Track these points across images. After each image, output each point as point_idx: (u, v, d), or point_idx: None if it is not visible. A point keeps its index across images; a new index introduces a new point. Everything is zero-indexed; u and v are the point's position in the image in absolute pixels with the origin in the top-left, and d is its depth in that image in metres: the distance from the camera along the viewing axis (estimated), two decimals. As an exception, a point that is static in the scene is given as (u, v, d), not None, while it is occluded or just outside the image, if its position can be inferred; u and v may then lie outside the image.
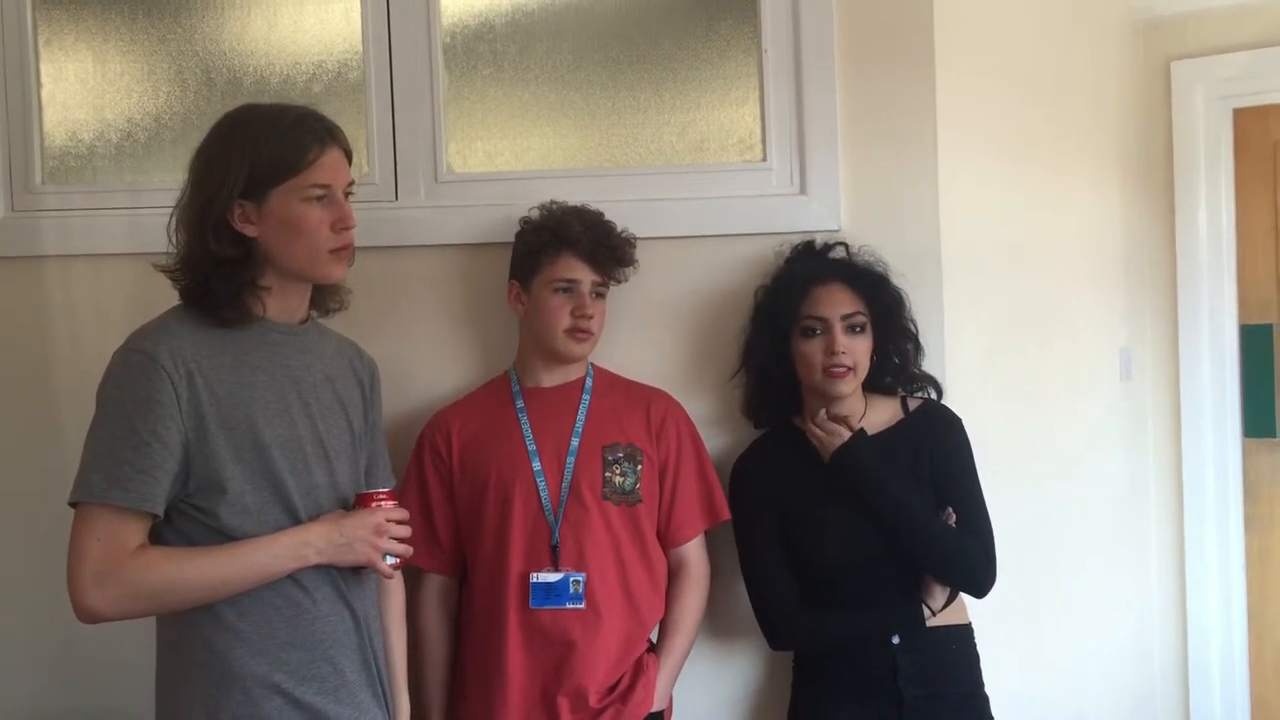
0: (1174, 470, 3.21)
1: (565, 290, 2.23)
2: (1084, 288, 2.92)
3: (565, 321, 2.23)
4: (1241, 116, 3.20)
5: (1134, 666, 3.04)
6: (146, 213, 2.34)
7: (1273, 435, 3.19)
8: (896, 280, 2.32)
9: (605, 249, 2.25)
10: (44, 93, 2.49)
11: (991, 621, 2.31)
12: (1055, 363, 2.80)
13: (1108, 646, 2.93)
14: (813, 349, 2.22)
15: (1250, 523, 3.19)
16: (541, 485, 2.22)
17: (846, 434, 2.21)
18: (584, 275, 2.24)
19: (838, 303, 2.23)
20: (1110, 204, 3.03)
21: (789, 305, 2.24)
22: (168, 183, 2.35)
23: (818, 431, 2.23)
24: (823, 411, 2.24)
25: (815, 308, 2.23)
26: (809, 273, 2.28)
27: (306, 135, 1.81)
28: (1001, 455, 2.44)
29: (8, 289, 2.46)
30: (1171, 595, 3.19)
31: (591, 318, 2.24)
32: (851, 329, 2.22)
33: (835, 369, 2.20)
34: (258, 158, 1.78)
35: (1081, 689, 2.80)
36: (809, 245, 2.37)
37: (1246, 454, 3.20)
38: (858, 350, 2.22)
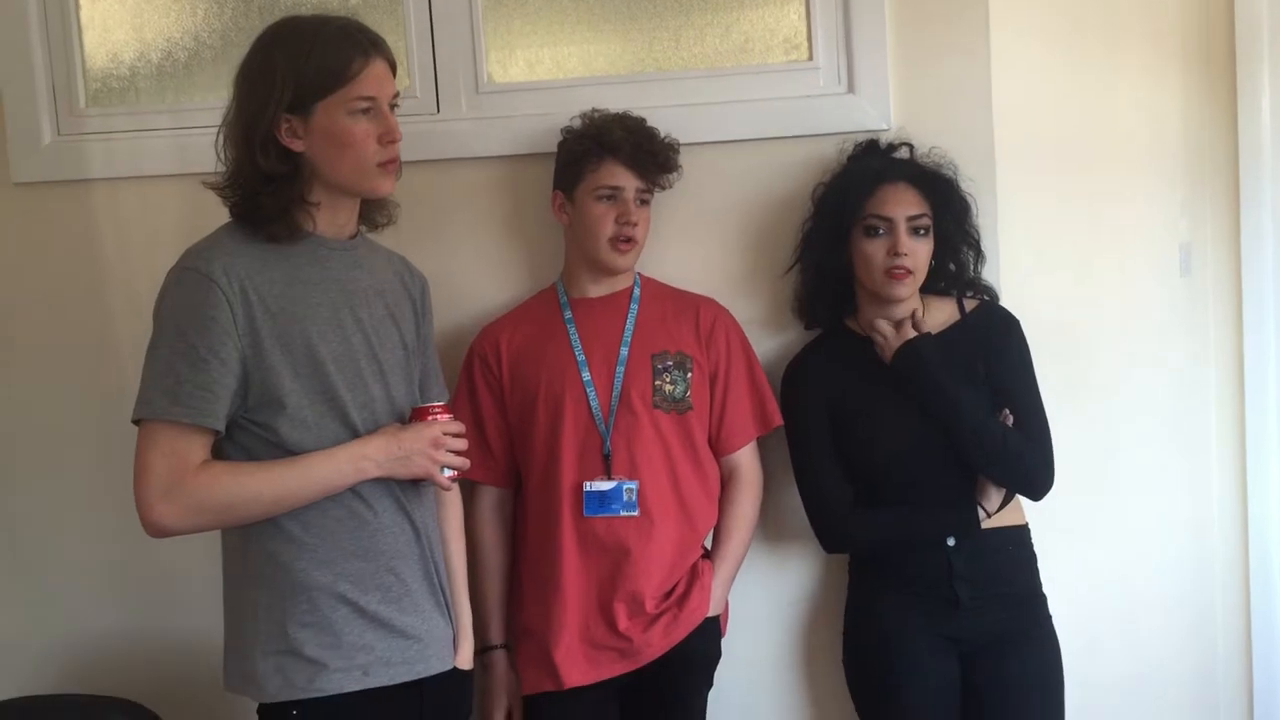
0: (1235, 367, 3.12)
1: (609, 198, 2.22)
2: (1142, 180, 2.83)
3: (609, 229, 2.21)
4: (1308, -2, 3.07)
5: (1192, 570, 3.00)
6: (190, 133, 2.37)
7: (1336, 328, 3.11)
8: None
9: (648, 154, 2.22)
10: (83, 15, 2.47)
11: (1045, 523, 2.30)
12: (1112, 259, 2.73)
13: (1166, 547, 2.89)
14: (875, 249, 2.19)
15: (1315, 418, 3.13)
16: (592, 395, 2.22)
17: (912, 332, 2.18)
18: (627, 182, 2.21)
19: (904, 203, 2.19)
20: (1169, 93, 2.92)
21: (853, 202, 2.20)
22: (209, 102, 2.39)
23: (884, 328, 2.20)
24: (879, 320, 2.21)
25: (881, 207, 2.19)
26: (876, 170, 2.23)
27: (350, 46, 1.80)
28: (1056, 355, 2.40)
29: (58, 212, 2.48)
30: (1232, 497, 3.12)
31: (636, 225, 2.22)
32: (915, 231, 2.18)
33: (896, 270, 2.17)
34: (302, 71, 1.77)
35: (1139, 590, 2.78)
36: (873, 143, 2.32)
37: (1312, 350, 3.12)
38: (920, 253, 2.19)
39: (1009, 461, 2.17)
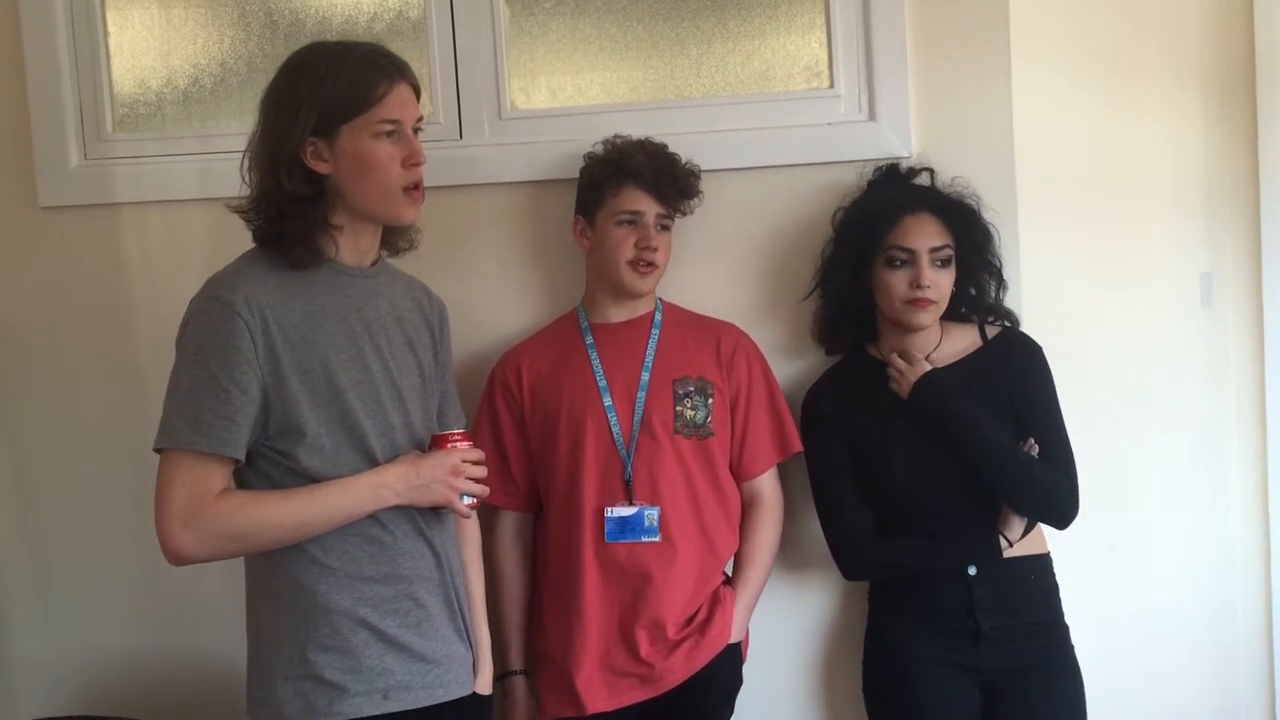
0: (1257, 398, 3.10)
1: (629, 223, 2.23)
2: (1163, 210, 2.83)
3: (629, 253, 2.22)
4: (1329, 30, 3.07)
5: (1215, 596, 2.98)
6: (216, 158, 2.39)
7: (1358, 358, 3.09)
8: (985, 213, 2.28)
9: (668, 179, 2.23)
10: (111, 41, 2.51)
11: (1067, 552, 2.28)
12: (1132, 289, 2.72)
13: (1187, 576, 2.87)
14: (897, 280, 2.19)
15: (1337, 449, 3.10)
16: (613, 420, 2.22)
17: (926, 366, 2.17)
18: (648, 207, 2.22)
19: (927, 234, 2.19)
20: (1190, 124, 2.92)
21: (876, 232, 2.20)
22: (235, 128, 2.41)
23: (898, 363, 2.20)
24: (894, 355, 2.21)
25: (904, 238, 2.19)
26: (898, 200, 2.24)
27: (375, 71, 1.81)
28: (1077, 383, 2.39)
29: (84, 236, 2.50)
30: (1255, 528, 3.10)
31: (656, 250, 2.23)
32: (938, 262, 2.18)
33: (919, 301, 2.17)
34: (327, 94, 1.79)
35: (1162, 620, 2.75)
36: (893, 169, 2.32)
37: (1333, 381, 3.10)
38: (942, 284, 2.19)
39: (1036, 491, 2.15)
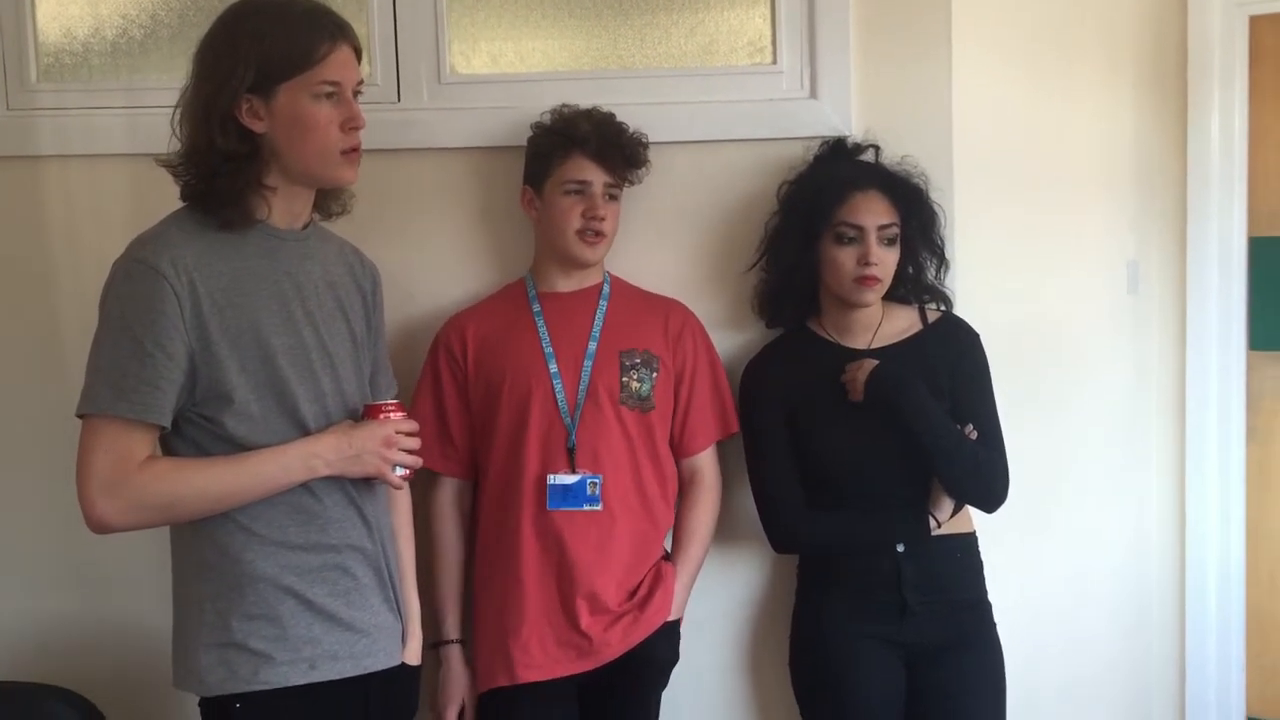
0: (1178, 382, 3.19)
1: (576, 192, 2.21)
2: (1093, 197, 2.87)
3: (576, 223, 2.21)
4: (1257, 23, 3.12)
5: (1132, 576, 3.06)
6: (144, 112, 2.30)
7: (1278, 348, 3.18)
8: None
9: (614, 148, 2.22)
10: (37, -13, 2.42)
11: (991, 532, 2.32)
12: (1062, 273, 2.77)
13: (1107, 556, 2.94)
14: (845, 256, 2.19)
15: (1251, 434, 3.19)
16: (558, 387, 2.21)
17: (872, 362, 2.19)
18: (594, 176, 2.21)
19: (876, 212, 2.19)
20: (1122, 111, 2.97)
21: (824, 208, 2.21)
22: (165, 81, 2.33)
23: (847, 375, 2.21)
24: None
25: (853, 215, 2.19)
26: (848, 176, 2.24)
27: (317, 30, 1.77)
28: (1007, 364, 2.42)
29: (5, 189, 2.42)
30: (1171, 506, 3.19)
31: (604, 219, 2.21)
32: (885, 240, 2.19)
33: (865, 279, 2.18)
34: (267, 51, 1.74)
35: (1081, 598, 2.82)
36: (840, 143, 2.33)
37: (1251, 367, 3.18)
38: (888, 261, 2.20)
39: (977, 478, 2.19)
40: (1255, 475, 3.19)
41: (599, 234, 2.21)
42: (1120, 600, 3.00)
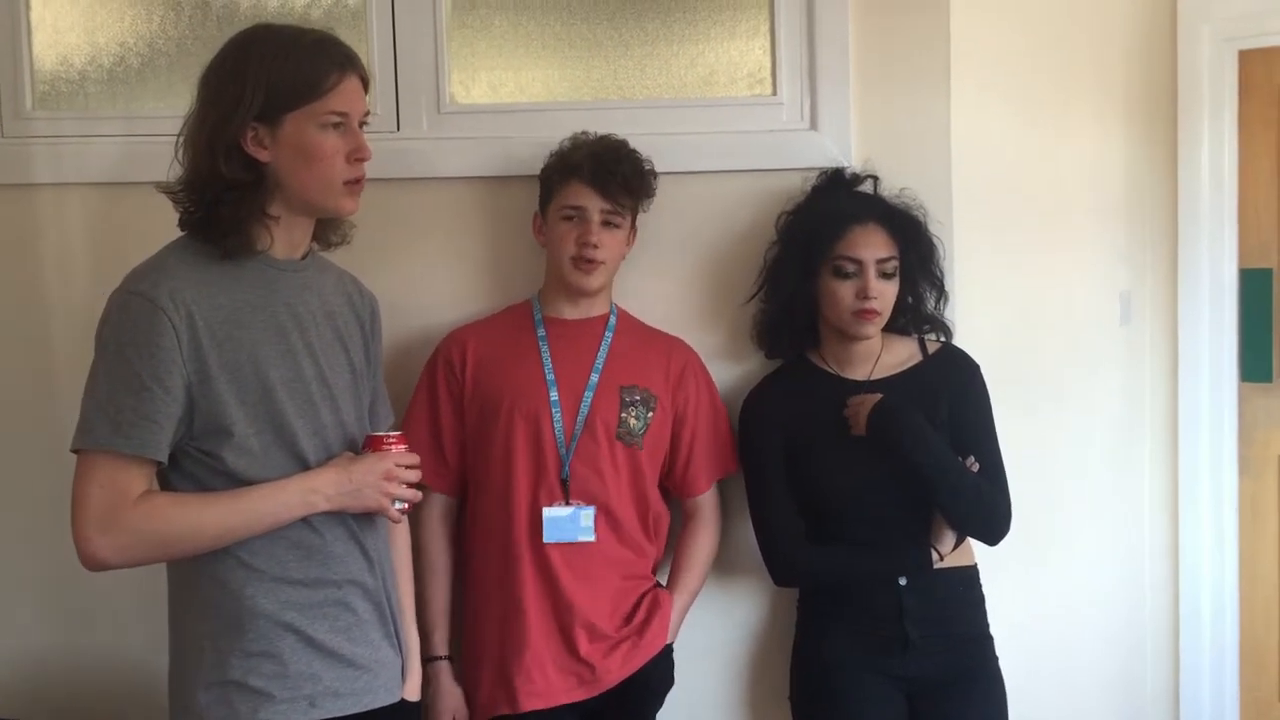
0: (1169, 414, 3.20)
1: (571, 218, 2.20)
2: (1086, 229, 2.89)
3: (571, 249, 2.20)
4: (1247, 58, 3.15)
5: (1126, 608, 3.06)
6: (141, 141, 2.30)
7: (1269, 380, 3.19)
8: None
9: (608, 174, 2.20)
10: (33, 14, 2.40)
11: (988, 562, 2.31)
12: (1056, 305, 2.78)
13: (1100, 588, 2.94)
14: (844, 290, 2.19)
15: (1244, 466, 3.19)
16: (556, 416, 2.20)
17: (874, 396, 2.18)
18: (589, 202, 2.19)
19: (874, 245, 2.19)
20: (1113, 145, 2.99)
21: (823, 241, 2.20)
22: (162, 110, 2.35)
23: (849, 410, 2.20)
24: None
25: (852, 248, 2.19)
26: (848, 210, 2.23)
27: (326, 59, 1.75)
28: (1002, 395, 2.41)
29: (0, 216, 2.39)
30: (1164, 538, 3.19)
31: (596, 246, 2.19)
32: (884, 273, 2.19)
33: (865, 312, 2.17)
34: (275, 79, 1.72)
35: (1075, 630, 2.81)
36: (838, 174, 2.33)
37: (1242, 398, 3.19)
38: (888, 295, 2.20)
39: (981, 512, 2.18)
40: (1248, 507, 3.20)
41: (591, 261, 2.20)
42: (1114, 632, 2.99)
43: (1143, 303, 3.14)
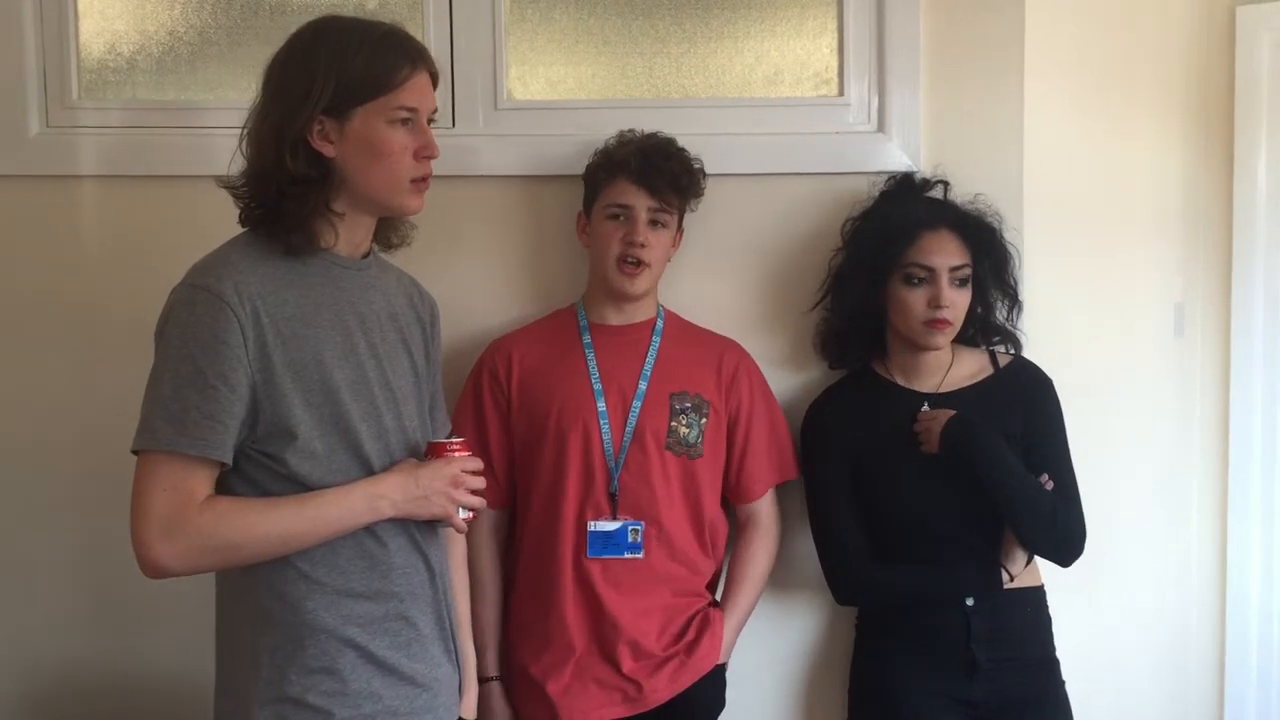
0: (1221, 426, 3.14)
1: (618, 217, 2.13)
2: (1144, 238, 2.83)
3: (616, 249, 2.13)
4: (1307, 63, 3.10)
5: (1174, 626, 3.00)
6: (192, 133, 2.25)
7: (1320, 394, 3.13)
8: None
9: (658, 172, 2.13)
10: (81, 1, 2.33)
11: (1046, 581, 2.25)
12: (1115, 316, 2.72)
13: (1149, 606, 2.88)
14: (915, 298, 2.12)
15: (1294, 483, 3.13)
16: (604, 428, 2.13)
17: (947, 412, 2.11)
18: (636, 200, 2.13)
19: (948, 253, 2.12)
20: (1172, 153, 2.93)
21: (893, 248, 2.14)
22: (212, 102, 2.29)
23: (920, 424, 2.14)
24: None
25: (924, 255, 2.12)
26: (918, 216, 2.17)
27: (397, 54, 1.69)
28: (1065, 409, 2.36)
29: (43, 208, 2.32)
30: (1212, 553, 3.14)
31: (644, 246, 2.12)
32: (957, 281, 2.12)
33: (937, 322, 2.10)
34: (345, 72, 1.66)
35: (1127, 650, 2.76)
36: (907, 179, 2.26)
37: (1294, 414, 3.13)
38: (960, 304, 2.13)
39: (1056, 533, 2.11)
40: (1297, 526, 3.13)
41: (640, 262, 2.13)
42: (1163, 655, 2.94)
43: (1195, 314, 3.08)
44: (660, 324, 2.23)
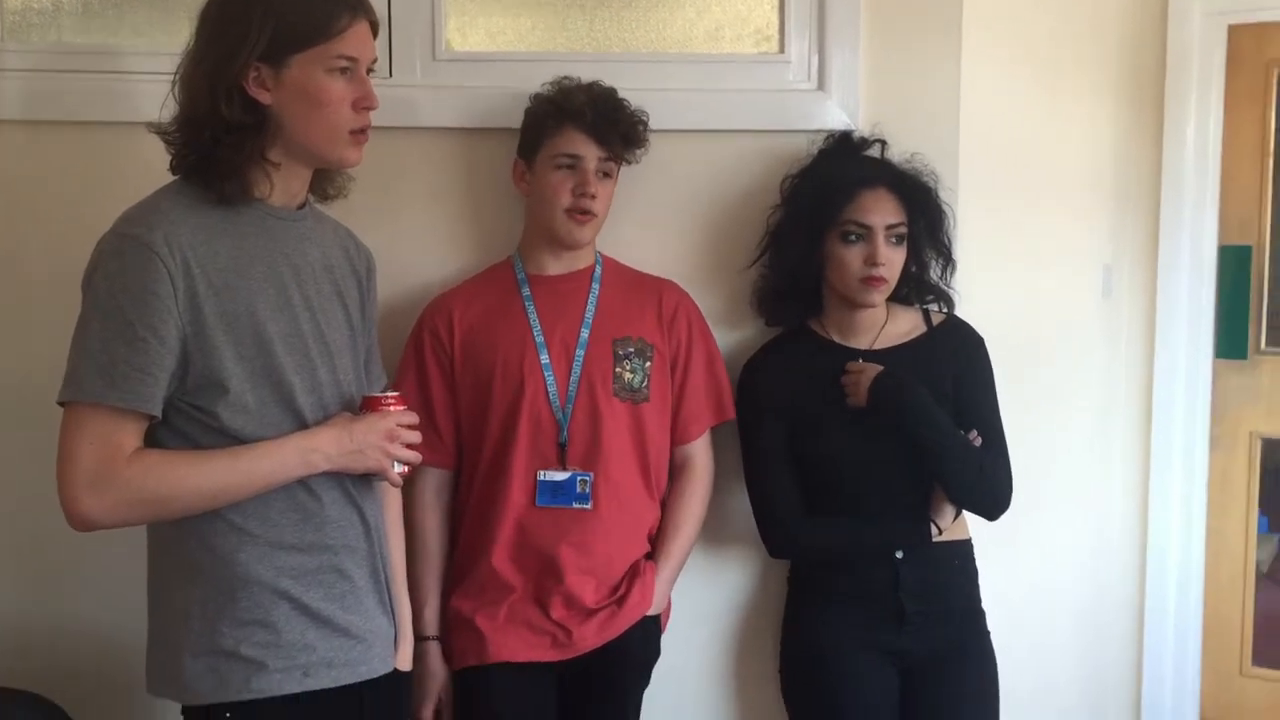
0: (1145, 388, 3.21)
1: (568, 166, 2.12)
2: (1076, 200, 2.87)
3: (566, 200, 2.12)
4: (1236, 33, 3.15)
5: (1097, 581, 3.08)
6: (119, 78, 2.18)
7: (1244, 357, 3.21)
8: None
9: (610, 123, 2.13)
10: (2, -62, 2.26)
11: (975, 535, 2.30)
12: (1045, 276, 2.75)
13: (1074, 562, 2.95)
14: (851, 256, 2.14)
15: (1215, 442, 3.22)
16: (550, 379, 2.13)
17: (875, 367, 2.13)
18: (587, 150, 2.12)
19: (884, 211, 2.14)
20: (1105, 116, 2.97)
21: (830, 205, 2.14)
22: (141, 46, 2.23)
23: (847, 378, 2.16)
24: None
25: (861, 214, 2.13)
26: (856, 174, 2.18)
27: (337, 1, 1.66)
28: (996, 367, 2.39)
29: (-37, 155, 2.26)
30: (1135, 512, 3.22)
31: (594, 197, 2.12)
32: (893, 239, 2.14)
33: (872, 279, 2.12)
34: (283, 18, 1.63)
35: (1050, 603, 2.82)
36: (846, 137, 2.27)
37: (1216, 374, 3.21)
38: (896, 262, 2.15)
39: (983, 487, 2.15)
40: (1217, 482, 3.23)
41: (588, 212, 2.13)
42: (1086, 605, 3.01)
43: (1122, 276, 3.14)
44: (599, 270, 2.23)
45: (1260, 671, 3.22)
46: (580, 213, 2.12)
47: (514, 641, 2.11)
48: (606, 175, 2.16)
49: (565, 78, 2.18)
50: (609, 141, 2.13)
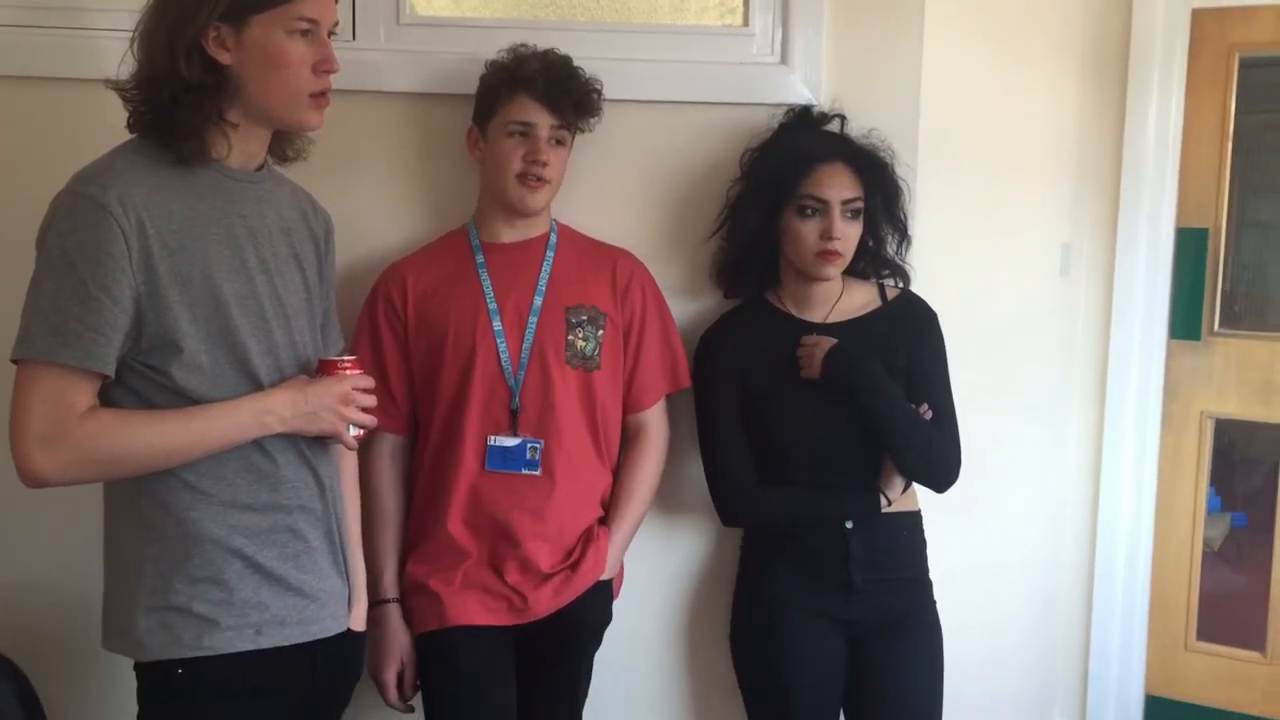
0: (1100, 367, 3.25)
1: (520, 134, 2.13)
2: (1037, 180, 2.90)
3: (517, 165, 2.13)
4: (1199, 17, 3.17)
5: (1047, 556, 3.12)
6: (81, 34, 2.16)
7: (1197, 338, 3.25)
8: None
9: (562, 91, 2.14)
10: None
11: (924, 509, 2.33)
12: (1005, 253, 2.78)
13: (1027, 535, 2.99)
14: (808, 229, 2.16)
15: (1166, 421, 3.27)
16: (502, 346, 2.14)
17: (829, 340, 2.16)
18: (539, 118, 2.13)
19: (841, 185, 2.16)
20: (1067, 96, 2.99)
21: (788, 179, 2.16)
22: (103, 3, 2.18)
23: (802, 350, 2.18)
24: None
25: (817, 188, 2.15)
26: (813, 148, 2.20)
27: None
28: (951, 344, 2.43)
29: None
30: (1087, 488, 3.26)
31: (546, 164, 2.13)
32: (849, 214, 2.16)
33: (827, 253, 2.14)
34: None
35: (1001, 574, 2.86)
36: (805, 112, 2.28)
37: (1170, 355, 3.26)
38: (851, 236, 2.17)
39: (931, 460, 2.18)
40: (1167, 461, 3.28)
41: (540, 179, 2.14)
42: (1037, 578, 3.06)
43: (1081, 254, 3.17)
44: (554, 238, 2.24)
45: (1204, 646, 3.28)
46: (533, 179, 2.13)
47: (472, 605, 2.13)
48: (559, 143, 2.17)
49: (521, 45, 2.18)
50: (561, 109, 2.14)
